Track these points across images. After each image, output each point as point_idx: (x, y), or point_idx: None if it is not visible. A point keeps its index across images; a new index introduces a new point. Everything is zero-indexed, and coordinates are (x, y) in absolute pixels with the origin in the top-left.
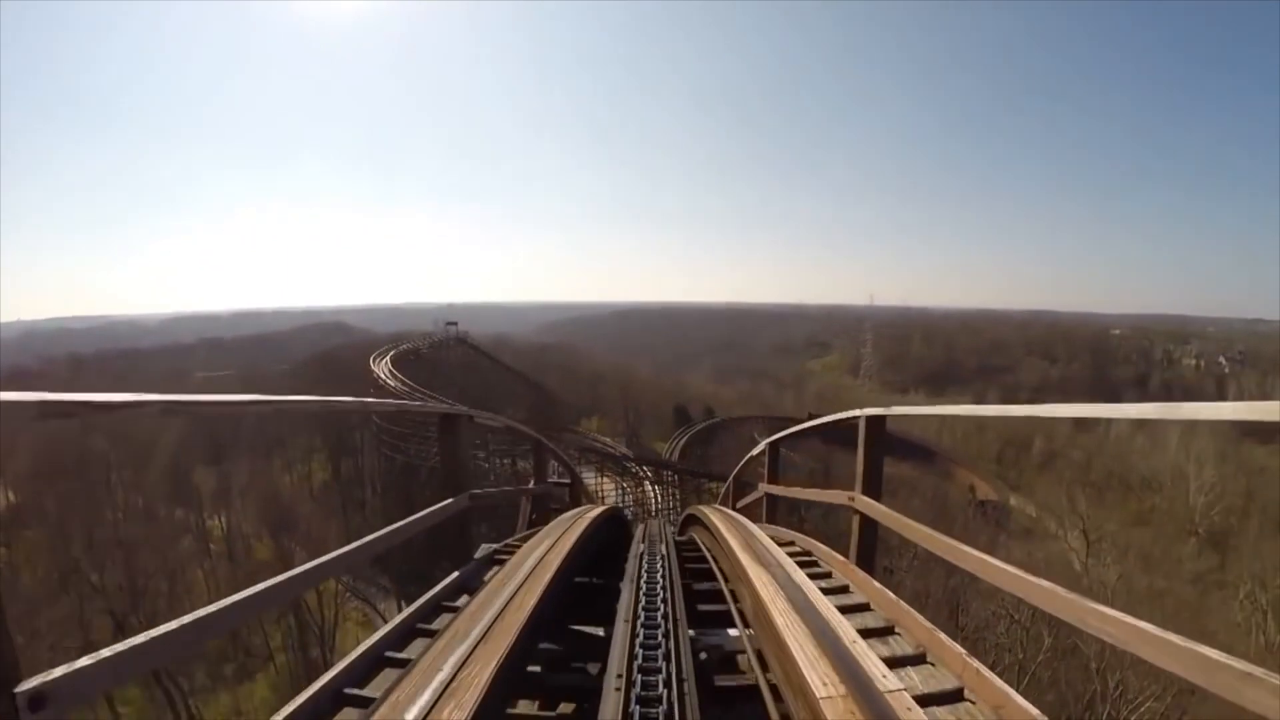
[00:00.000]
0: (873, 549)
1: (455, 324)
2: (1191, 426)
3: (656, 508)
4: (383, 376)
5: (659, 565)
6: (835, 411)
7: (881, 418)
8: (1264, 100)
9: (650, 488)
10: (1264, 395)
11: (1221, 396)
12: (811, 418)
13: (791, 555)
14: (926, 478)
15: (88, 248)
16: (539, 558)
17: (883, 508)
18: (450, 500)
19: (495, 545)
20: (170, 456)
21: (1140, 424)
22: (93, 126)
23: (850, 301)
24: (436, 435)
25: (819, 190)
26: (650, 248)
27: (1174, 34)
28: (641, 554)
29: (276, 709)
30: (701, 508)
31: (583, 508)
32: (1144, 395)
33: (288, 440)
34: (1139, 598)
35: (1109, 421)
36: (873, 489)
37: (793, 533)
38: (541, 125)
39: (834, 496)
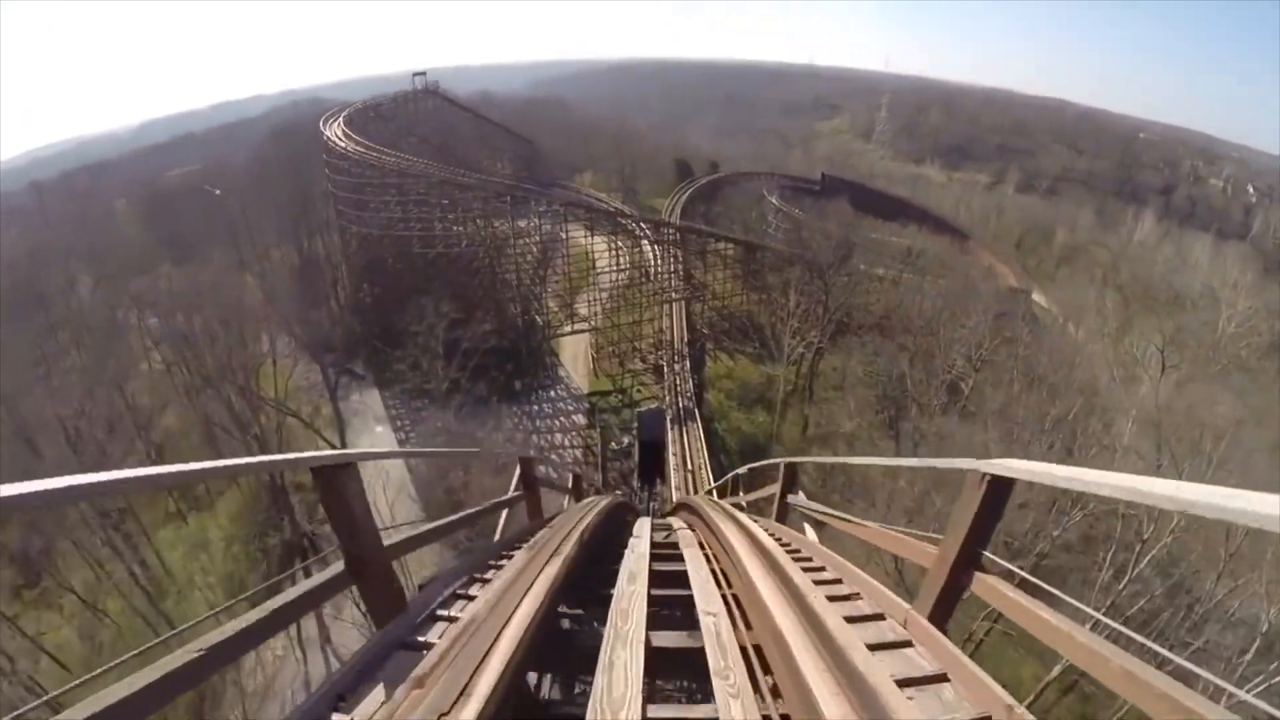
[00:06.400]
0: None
1: (424, 74)
2: (1220, 250)
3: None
4: (335, 140)
5: None
6: (844, 174)
7: (1010, 480)
8: None
9: (649, 248)
10: None
11: (1248, 227)
12: (824, 179)
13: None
14: (949, 254)
15: (48, 68)
16: None
17: (1006, 590)
18: (335, 574)
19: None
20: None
21: (1166, 235)
22: None
23: (864, 65)
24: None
25: None
26: None
27: None
28: None
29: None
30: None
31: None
32: (1168, 206)
33: (254, 229)
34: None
35: (1135, 226)
36: (974, 561)
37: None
38: None
39: (918, 553)
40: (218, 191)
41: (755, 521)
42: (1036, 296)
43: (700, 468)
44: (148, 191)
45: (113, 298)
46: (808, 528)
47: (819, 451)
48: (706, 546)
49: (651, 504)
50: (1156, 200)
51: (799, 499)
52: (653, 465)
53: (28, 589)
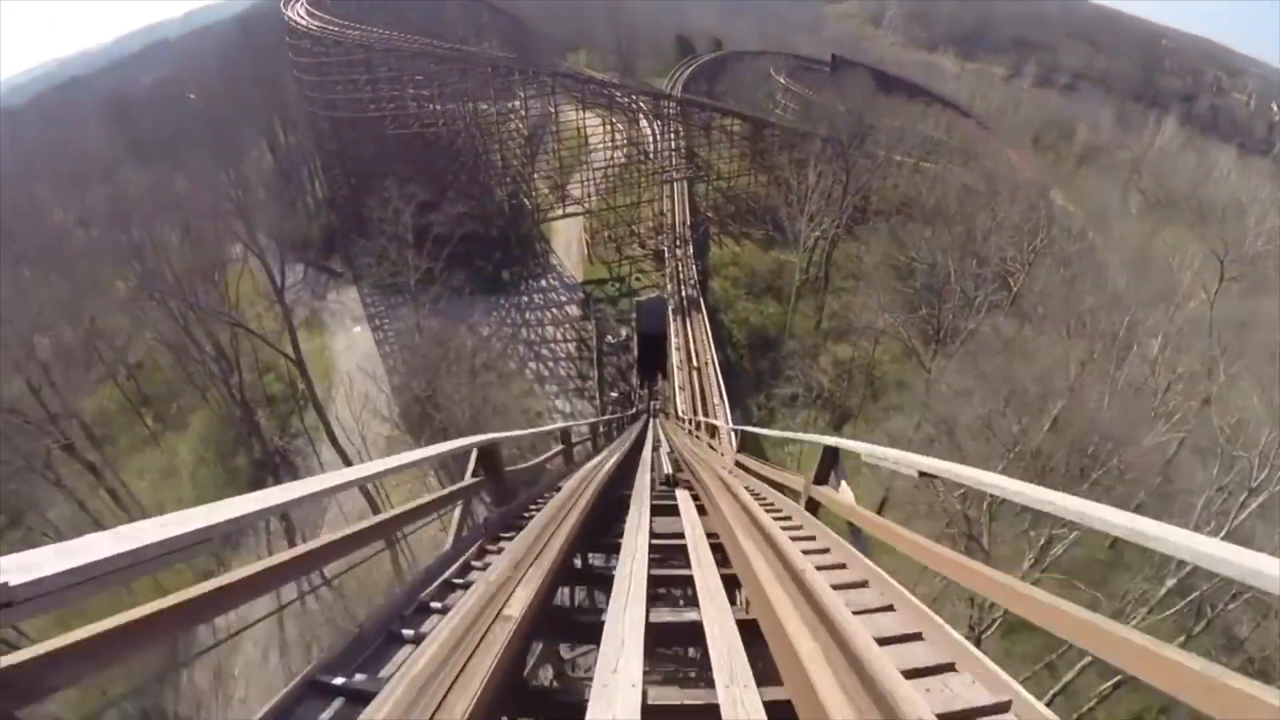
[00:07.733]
0: None
1: None
2: (1245, 163)
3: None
4: (298, 19)
5: None
6: (854, 56)
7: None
8: None
9: (647, 124)
10: None
11: (1270, 144)
12: (835, 59)
13: None
14: (970, 144)
15: None
16: None
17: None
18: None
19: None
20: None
21: (1188, 142)
22: None
23: None
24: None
25: None
26: None
27: None
28: None
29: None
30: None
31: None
32: (1190, 114)
33: (227, 129)
34: None
35: (1156, 130)
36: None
37: None
38: None
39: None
40: (192, 95)
41: None
42: (1056, 197)
43: (707, 364)
44: (118, 105)
45: (84, 218)
46: None
47: (835, 345)
48: None
49: (652, 403)
50: (1179, 107)
51: None
52: (653, 360)
53: (13, 529)
